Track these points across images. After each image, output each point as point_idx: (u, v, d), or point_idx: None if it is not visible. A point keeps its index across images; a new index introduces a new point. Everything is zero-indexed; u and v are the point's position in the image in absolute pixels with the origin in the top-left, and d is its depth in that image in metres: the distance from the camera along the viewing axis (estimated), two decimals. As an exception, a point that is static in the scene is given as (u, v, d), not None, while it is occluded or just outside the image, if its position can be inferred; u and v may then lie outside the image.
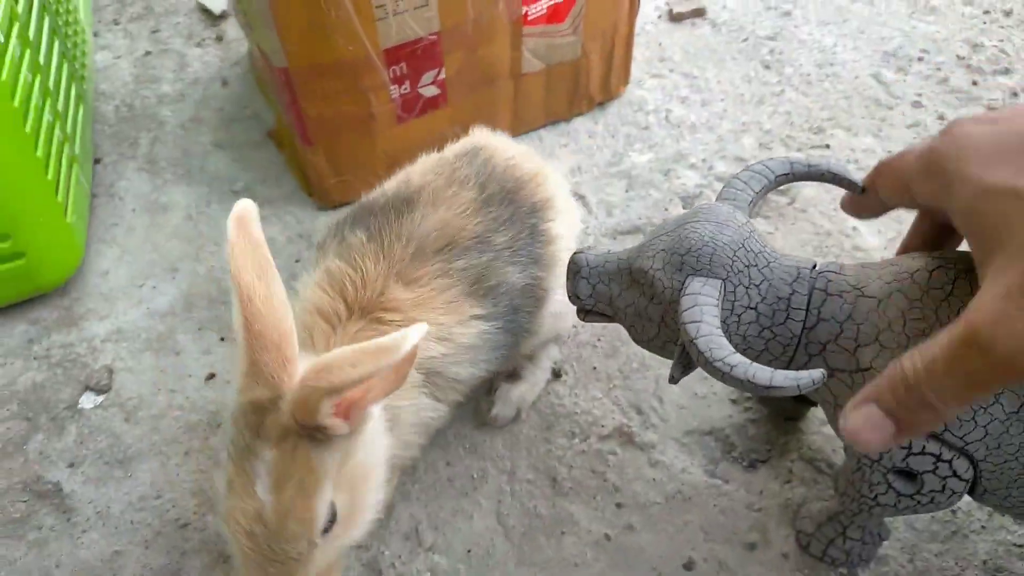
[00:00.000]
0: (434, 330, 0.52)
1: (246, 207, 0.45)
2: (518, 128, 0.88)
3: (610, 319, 0.52)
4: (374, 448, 0.48)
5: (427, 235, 0.54)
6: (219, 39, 1.07)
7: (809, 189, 0.82)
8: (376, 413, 0.48)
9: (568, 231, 0.61)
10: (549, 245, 0.58)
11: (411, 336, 0.40)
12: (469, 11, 0.74)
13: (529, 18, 0.78)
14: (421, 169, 0.60)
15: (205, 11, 1.11)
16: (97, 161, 0.92)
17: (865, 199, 0.47)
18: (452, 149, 0.62)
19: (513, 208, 0.57)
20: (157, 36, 1.09)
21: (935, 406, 0.32)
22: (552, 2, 0.78)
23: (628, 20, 0.86)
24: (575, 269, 0.51)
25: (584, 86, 0.88)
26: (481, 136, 0.64)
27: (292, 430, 0.42)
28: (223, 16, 1.10)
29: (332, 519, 0.44)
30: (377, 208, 0.56)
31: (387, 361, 0.39)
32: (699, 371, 0.67)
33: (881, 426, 0.34)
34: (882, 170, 0.44)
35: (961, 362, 0.31)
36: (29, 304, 0.79)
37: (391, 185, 0.60)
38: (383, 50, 0.72)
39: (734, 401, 0.67)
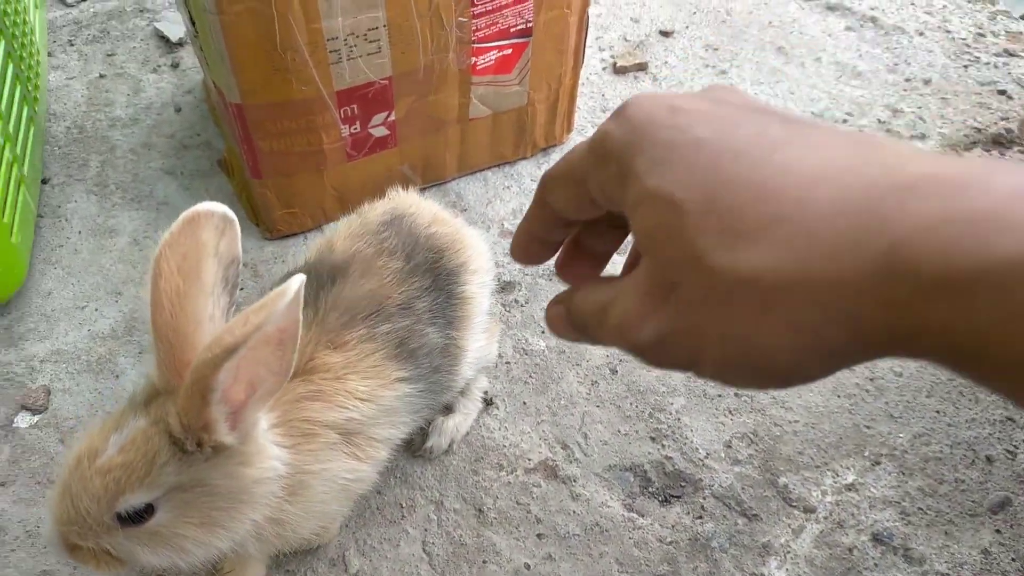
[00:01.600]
0: (360, 391, 0.54)
1: (215, 212, 0.46)
2: (464, 168, 0.91)
3: None
4: (242, 488, 0.48)
5: (357, 303, 0.56)
6: (175, 66, 1.09)
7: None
8: (262, 430, 0.49)
9: (481, 290, 0.64)
10: (464, 306, 0.61)
11: (293, 284, 0.41)
12: (420, 59, 0.77)
13: (478, 68, 0.82)
14: (345, 234, 0.62)
15: (162, 38, 1.13)
16: (45, 182, 0.93)
17: (539, 221, 0.37)
18: (375, 214, 0.63)
19: (434, 275, 0.60)
20: (112, 60, 1.10)
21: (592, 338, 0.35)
22: (500, 54, 0.82)
23: (573, 73, 0.91)
24: None
25: (529, 132, 0.92)
26: (401, 201, 0.65)
27: (165, 424, 0.44)
28: (180, 43, 1.12)
29: (140, 519, 0.45)
30: (312, 276, 0.57)
31: (276, 307, 0.40)
32: (622, 410, 0.71)
33: (566, 326, 0.36)
34: (552, 174, 0.35)
35: (594, 327, 0.33)
36: (-32, 321, 0.79)
37: (314, 250, 0.62)
38: (336, 91, 0.75)
39: (653, 439, 0.70)
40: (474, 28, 0.79)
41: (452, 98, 0.83)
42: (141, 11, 1.18)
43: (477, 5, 0.77)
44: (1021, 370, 0.23)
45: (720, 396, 0.73)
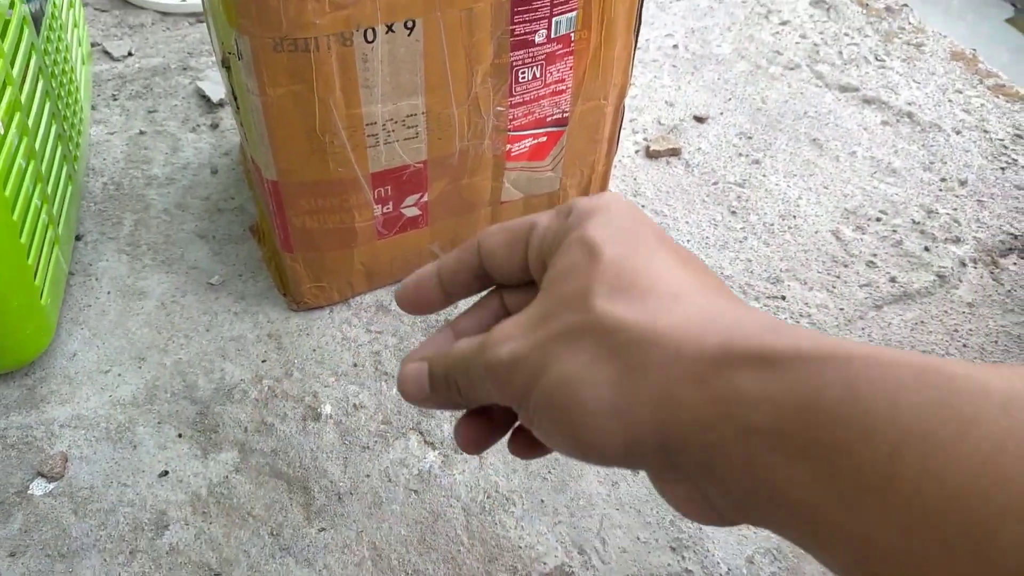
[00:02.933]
0: None
1: None
2: None
3: None
4: None
5: None
6: (214, 126, 1.10)
7: (764, 338, 0.85)
8: None
9: None
10: None
11: None
12: (456, 145, 0.78)
13: (512, 154, 0.82)
14: None
15: (203, 97, 1.15)
16: (79, 238, 0.94)
17: (457, 261, 0.39)
18: None
19: None
20: (153, 116, 1.12)
21: (458, 391, 0.36)
22: (535, 141, 0.83)
23: (606, 160, 0.91)
24: None
25: None
26: None
27: None
28: (221, 104, 1.13)
29: None
30: None
31: None
32: (643, 515, 0.69)
33: (420, 384, 0.38)
34: (501, 224, 0.38)
35: (469, 363, 0.34)
36: (-9, 380, 0.79)
37: None
38: (371, 173, 0.76)
39: (674, 549, 0.69)
40: (511, 117, 0.79)
41: (485, 182, 0.83)
42: (185, 69, 1.20)
43: (515, 95, 0.78)
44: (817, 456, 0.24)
45: (743, 506, 0.72)
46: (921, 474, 0.21)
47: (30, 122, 0.76)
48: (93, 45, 1.24)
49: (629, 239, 0.31)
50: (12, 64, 0.72)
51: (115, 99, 1.15)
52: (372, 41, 0.67)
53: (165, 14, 1.33)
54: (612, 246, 0.31)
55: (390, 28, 0.67)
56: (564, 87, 0.80)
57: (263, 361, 0.82)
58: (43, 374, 0.81)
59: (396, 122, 0.73)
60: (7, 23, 0.73)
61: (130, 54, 1.23)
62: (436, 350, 0.38)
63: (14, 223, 0.70)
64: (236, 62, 0.68)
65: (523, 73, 0.77)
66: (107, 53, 1.23)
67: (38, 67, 0.80)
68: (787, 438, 0.24)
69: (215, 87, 1.15)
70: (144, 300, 0.88)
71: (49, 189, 0.81)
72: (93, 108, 1.12)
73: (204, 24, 1.31)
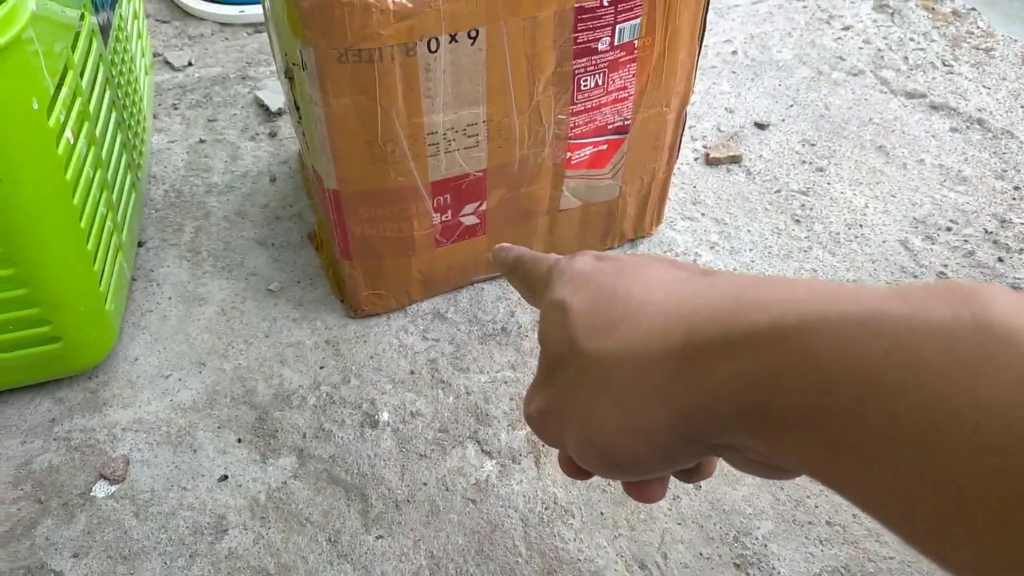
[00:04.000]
0: None
1: None
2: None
3: None
4: None
5: None
6: (272, 135, 1.11)
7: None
8: None
9: None
10: None
11: None
12: (516, 153, 0.77)
13: (572, 162, 0.81)
14: None
15: (262, 106, 1.16)
16: (141, 244, 0.96)
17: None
18: None
19: None
20: (213, 125, 1.13)
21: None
22: (595, 149, 0.81)
23: (667, 167, 0.89)
24: None
25: (618, 224, 0.91)
26: None
27: None
28: (279, 113, 1.14)
29: None
30: None
31: None
32: (705, 530, 0.67)
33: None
34: (524, 258, 0.46)
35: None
36: (56, 383, 0.81)
37: None
38: (431, 182, 0.75)
39: (737, 565, 0.67)
40: (572, 125, 0.78)
41: (544, 190, 0.83)
42: (243, 78, 1.22)
43: (576, 103, 0.77)
44: (805, 426, 0.25)
45: (810, 524, 0.69)
46: (887, 416, 0.23)
47: (97, 132, 0.77)
48: (155, 56, 1.27)
49: (590, 285, 0.35)
50: (82, 75, 0.74)
51: (176, 108, 1.17)
52: (435, 51, 0.67)
53: (224, 25, 1.35)
54: (577, 297, 0.35)
55: (453, 38, 0.67)
56: (626, 94, 0.79)
57: (321, 367, 0.82)
58: (105, 378, 0.82)
59: (457, 131, 0.73)
60: (77, 34, 0.74)
61: (190, 64, 1.26)
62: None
63: (82, 230, 0.71)
64: (300, 73, 0.68)
65: (585, 81, 0.76)
66: (168, 63, 1.25)
67: (105, 78, 0.82)
68: (750, 418, 0.26)
69: (274, 96, 1.16)
70: (204, 306, 0.89)
71: (114, 197, 0.82)
72: (154, 117, 1.14)
73: (262, 34, 1.33)
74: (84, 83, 0.74)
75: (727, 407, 0.27)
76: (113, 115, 0.84)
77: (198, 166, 1.07)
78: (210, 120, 1.14)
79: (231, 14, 1.34)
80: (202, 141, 1.11)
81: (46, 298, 0.71)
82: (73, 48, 0.72)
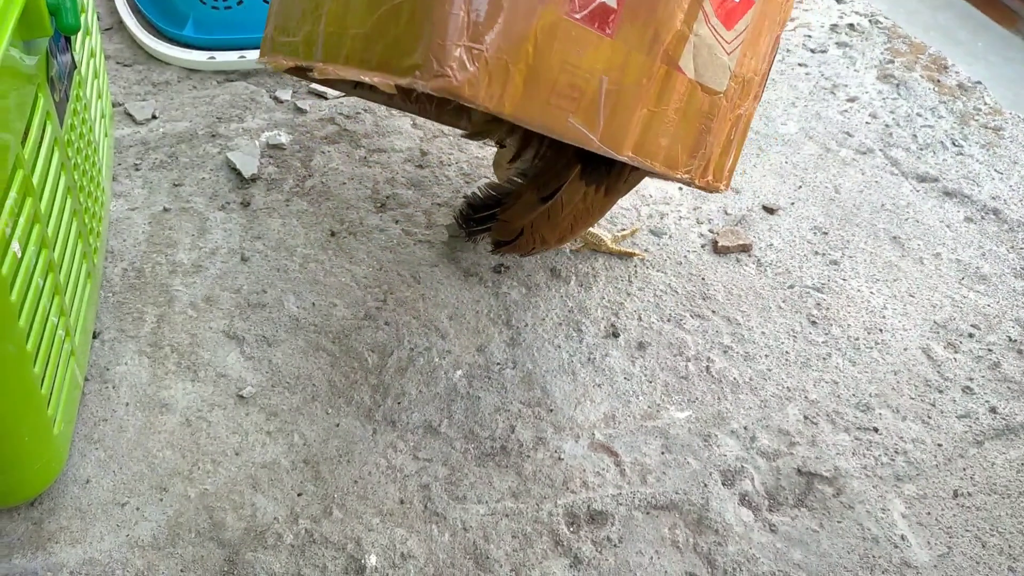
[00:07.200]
0: None
1: None
2: (638, 153, 0.78)
3: None
4: None
5: None
6: (245, 204, 1.02)
7: (857, 481, 0.77)
8: None
9: None
10: None
11: None
12: None
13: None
14: None
15: (234, 170, 1.06)
16: (96, 335, 0.85)
17: None
18: None
19: None
20: (179, 191, 1.03)
21: None
22: (733, 3, 0.76)
23: (747, 115, 0.82)
24: None
25: (708, 147, 0.80)
26: None
27: None
28: (252, 179, 1.05)
29: None
30: None
31: None
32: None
33: None
34: None
35: None
36: (-5, 512, 0.71)
37: None
38: None
39: None
40: None
41: (679, 12, 0.73)
42: (213, 136, 1.12)
43: None
44: None
45: None
46: None
47: (50, 230, 0.68)
48: (115, 105, 1.16)
49: None
50: (33, 169, 0.64)
51: (137, 169, 1.06)
52: None
53: (192, 71, 1.25)
54: None
55: None
56: None
57: (299, 495, 0.73)
58: (52, 505, 0.72)
59: None
60: (30, 121, 0.64)
61: (154, 117, 1.15)
62: None
63: (28, 355, 0.62)
64: None
65: None
66: (129, 115, 1.15)
67: (60, 163, 0.72)
68: None
69: (247, 159, 1.07)
70: (166, 415, 0.79)
71: (67, 299, 0.73)
72: (114, 179, 1.04)
73: (234, 83, 1.23)
74: (36, 179, 0.64)
75: None
76: (69, 203, 0.74)
77: (161, 240, 0.97)
78: (175, 184, 1.04)
79: (199, 60, 1.24)
80: (166, 210, 1.01)
81: (-17, 435, 0.61)
82: (24, 140, 0.63)
